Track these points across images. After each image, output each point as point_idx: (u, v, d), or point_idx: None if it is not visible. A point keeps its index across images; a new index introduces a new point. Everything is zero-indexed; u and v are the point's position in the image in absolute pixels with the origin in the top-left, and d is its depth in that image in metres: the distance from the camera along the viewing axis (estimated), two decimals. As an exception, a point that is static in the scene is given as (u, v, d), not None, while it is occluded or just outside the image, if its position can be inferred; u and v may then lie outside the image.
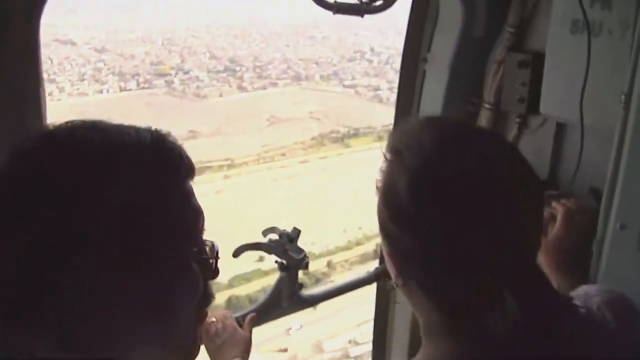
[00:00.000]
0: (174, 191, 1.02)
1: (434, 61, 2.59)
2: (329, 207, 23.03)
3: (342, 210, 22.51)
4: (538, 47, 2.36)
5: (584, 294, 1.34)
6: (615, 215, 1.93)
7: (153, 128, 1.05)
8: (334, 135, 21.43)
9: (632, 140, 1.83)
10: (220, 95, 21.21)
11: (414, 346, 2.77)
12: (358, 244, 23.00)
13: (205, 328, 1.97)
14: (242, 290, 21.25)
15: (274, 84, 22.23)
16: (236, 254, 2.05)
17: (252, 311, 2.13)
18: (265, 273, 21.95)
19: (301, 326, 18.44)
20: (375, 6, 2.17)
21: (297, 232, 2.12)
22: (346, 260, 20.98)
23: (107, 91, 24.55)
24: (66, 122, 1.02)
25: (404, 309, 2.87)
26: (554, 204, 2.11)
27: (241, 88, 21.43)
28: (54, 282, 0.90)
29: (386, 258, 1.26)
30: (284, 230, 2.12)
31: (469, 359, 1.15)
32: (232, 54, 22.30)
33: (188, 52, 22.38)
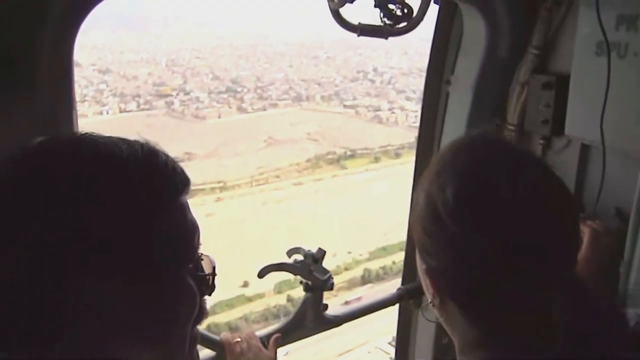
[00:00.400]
0: (170, 205, 1.01)
1: (458, 83, 2.60)
2: (319, 231, 23.04)
3: (332, 234, 22.22)
4: (562, 69, 2.36)
5: (624, 318, 1.33)
6: (643, 236, 1.92)
7: (143, 141, 1.04)
8: (330, 156, 21.48)
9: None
10: (219, 117, 21.14)
11: (437, 367, 2.76)
12: (347, 269, 22.82)
13: (230, 347, 1.98)
14: (223, 317, 21.21)
15: (274, 105, 22.34)
16: (261, 274, 2.06)
17: (276, 331, 2.14)
18: (249, 299, 21.71)
19: (287, 352, 17.93)
20: (399, 28, 2.18)
21: (322, 253, 2.13)
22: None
23: (107, 112, 24.47)
24: (55, 136, 1.04)
25: (426, 329, 2.85)
26: (580, 225, 2.10)
27: (241, 109, 21.31)
28: (53, 299, 0.90)
29: (423, 277, 1.25)
30: (308, 250, 2.13)
31: None
32: (235, 75, 22.23)
33: (191, 73, 22.35)
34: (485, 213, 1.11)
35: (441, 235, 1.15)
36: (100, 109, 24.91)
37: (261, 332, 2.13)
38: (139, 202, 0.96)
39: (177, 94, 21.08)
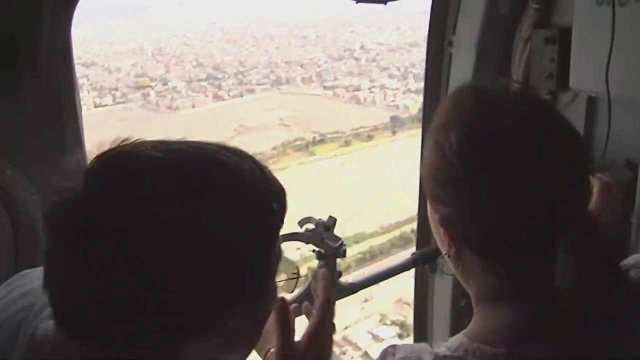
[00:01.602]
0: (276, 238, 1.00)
1: (460, 43, 2.58)
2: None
3: (293, 228, 21.09)
4: (564, 22, 2.34)
5: (634, 262, 1.32)
6: (653, 185, 1.91)
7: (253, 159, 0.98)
8: (298, 143, 20.15)
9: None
10: (193, 106, 20.58)
11: (455, 329, 2.77)
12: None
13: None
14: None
15: (251, 91, 21.21)
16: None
17: (292, 302, 2.14)
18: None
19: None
20: (398, -9, 2.16)
21: (333, 221, 2.13)
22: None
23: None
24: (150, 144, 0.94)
25: (443, 293, 2.87)
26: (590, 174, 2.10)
27: (217, 97, 20.46)
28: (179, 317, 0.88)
29: (437, 229, 1.23)
30: (319, 219, 2.13)
31: (524, 323, 1.12)
32: (219, 61, 21.46)
33: (175, 61, 21.59)
34: (492, 153, 1.10)
35: (451, 180, 1.13)
36: (76, 106, 24.43)
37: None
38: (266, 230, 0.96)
39: (155, 85, 20.53)
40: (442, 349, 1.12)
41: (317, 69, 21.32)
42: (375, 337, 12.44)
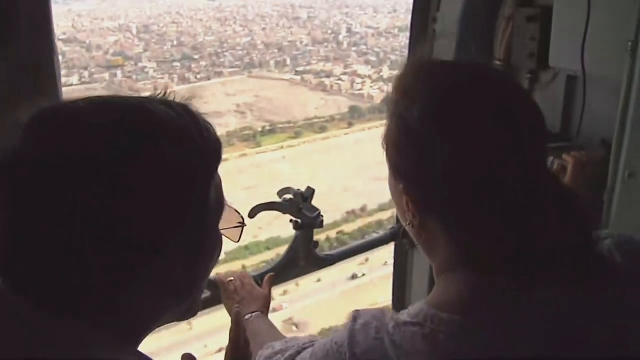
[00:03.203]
0: (215, 179, 1.01)
1: (444, 20, 2.59)
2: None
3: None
4: (547, 1, 2.35)
5: (595, 238, 1.34)
6: (624, 164, 1.95)
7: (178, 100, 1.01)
8: (246, 132, 18.94)
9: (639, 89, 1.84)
10: (155, 89, 19.72)
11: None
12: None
13: (224, 287, 2.02)
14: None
15: (219, 74, 20.12)
16: (252, 214, 2.09)
17: (269, 271, 2.18)
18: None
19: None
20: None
21: (311, 192, 2.16)
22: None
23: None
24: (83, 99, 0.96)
25: (421, 268, 2.90)
26: (564, 155, 2.13)
27: (183, 79, 19.19)
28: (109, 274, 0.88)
29: (399, 200, 1.23)
30: (298, 190, 2.16)
31: (478, 292, 1.13)
32: (202, 40, 20.76)
33: (157, 40, 20.85)
34: (452, 122, 1.11)
35: (413, 148, 1.15)
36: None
37: (255, 272, 2.17)
38: (195, 169, 0.96)
39: (126, 65, 19.68)
40: (403, 315, 1.13)
41: (294, 52, 20.49)
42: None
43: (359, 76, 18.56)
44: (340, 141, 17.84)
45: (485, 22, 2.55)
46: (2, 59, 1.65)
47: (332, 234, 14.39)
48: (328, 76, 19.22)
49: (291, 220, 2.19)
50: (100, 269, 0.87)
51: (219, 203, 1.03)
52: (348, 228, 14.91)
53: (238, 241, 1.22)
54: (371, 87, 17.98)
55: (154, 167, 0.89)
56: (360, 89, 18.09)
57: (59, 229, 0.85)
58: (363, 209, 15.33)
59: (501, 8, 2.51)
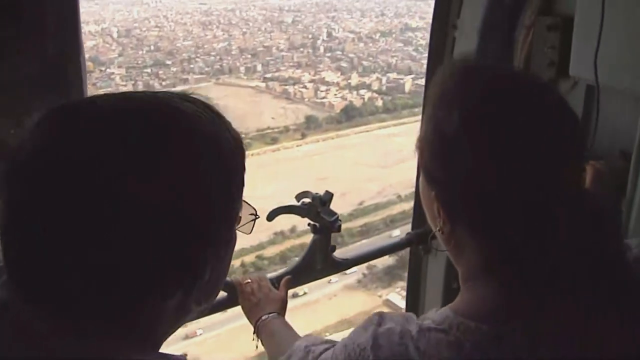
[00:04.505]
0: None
1: (464, 27, 2.60)
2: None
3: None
4: (567, 11, 2.35)
5: (624, 248, 1.32)
6: (645, 174, 1.94)
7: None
8: None
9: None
10: None
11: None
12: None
13: (241, 288, 2.03)
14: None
15: (185, 81, 19.39)
16: (270, 217, 2.10)
17: (286, 273, 2.19)
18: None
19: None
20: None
21: (329, 196, 2.16)
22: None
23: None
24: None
25: (436, 275, 2.90)
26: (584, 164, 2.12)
27: (148, 87, 18.21)
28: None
29: (430, 206, 1.23)
30: (316, 193, 2.17)
31: (508, 301, 1.14)
32: (180, 45, 19.87)
33: (136, 45, 20.09)
34: (493, 130, 1.11)
35: (448, 155, 1.15)
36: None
37: (271, 274, 2.18)
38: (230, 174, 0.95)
39: (95, 71, 18.47)
40: (427, 321, 1.13)
41: (267, 58, 19.85)
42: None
43: (326, 83, 18.05)
44: (290, 153, 17.25)
45: (506, 30, 2.55)
46: (30, 54, 1.67)
47: (250, 257, 13.89)
48: (296, 83, 18.46)
49: (309, 224, 2.20)
50: (131, 271, 0.84)
51: (240, 198, 1.02)
52: (270, 251, 14.48)
53: (250, 233, 1.22)
54: (335, 94, 17.51)
55: (190, 165, 0.87)
56: (324, 97, 17.60)
57: (79, 228, 0.80)
58: (292, 230, 14.61)
59: (522, 16, 2.51)
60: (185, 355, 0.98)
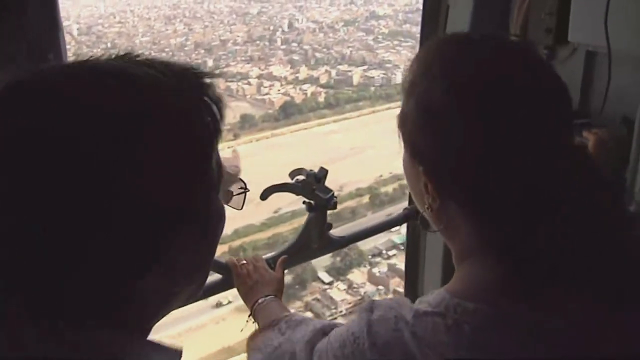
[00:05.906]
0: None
1: (458, -6, 2.54)
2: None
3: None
4: (565, -24, 2.29)
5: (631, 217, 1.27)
6: (648, 142, 1.90)
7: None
8: None
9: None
10: None
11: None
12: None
13: (237, 270, 1.99)
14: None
15: None
16: (264, 196, 2.05)
17: (282, 253, 2.14)
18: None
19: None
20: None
21: (324, 172, 2.11)
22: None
23: None
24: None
25: (434, 251, 2.86)
26: (584, 132, 2.08)
27: None
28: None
29: (417, 184, 1.17)
30: (310, 170, 2.11)
31: (506, 279, 1.08)
32: (137, 42, 19.57)
33: (94, 42, 19.81)
34: (479, 100, 1.05)
35: (434, 127, 1.09)
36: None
37: (267, 255, 2.13)
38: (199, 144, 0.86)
39: None
40: (422, 304, 1.08)
41: (220, 52, 19.00)
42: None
43: (273, 78, 17.41)
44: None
45: (501, -3, 2.50)
46: (10, 52, 1.63)
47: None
48: (242, 79, 17.82)
49: (304, 202, 2.14)
50: (109, 260, 0.77)
51: (220, 172, 0.92)
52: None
53: (241, 208, 1.16)
54: (278, 90, 16.80)
55: (158, 142, 0.79)
56: (266, 93, 16.88)
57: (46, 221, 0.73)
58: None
59: (518, -18, 2.45)
60: (181, 348, 0.92)
